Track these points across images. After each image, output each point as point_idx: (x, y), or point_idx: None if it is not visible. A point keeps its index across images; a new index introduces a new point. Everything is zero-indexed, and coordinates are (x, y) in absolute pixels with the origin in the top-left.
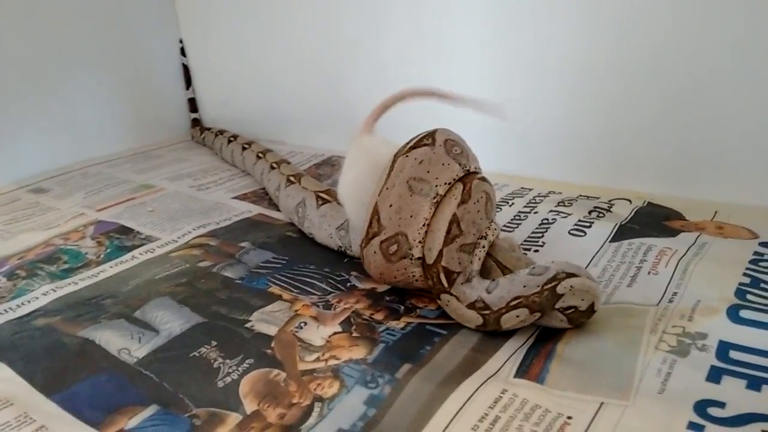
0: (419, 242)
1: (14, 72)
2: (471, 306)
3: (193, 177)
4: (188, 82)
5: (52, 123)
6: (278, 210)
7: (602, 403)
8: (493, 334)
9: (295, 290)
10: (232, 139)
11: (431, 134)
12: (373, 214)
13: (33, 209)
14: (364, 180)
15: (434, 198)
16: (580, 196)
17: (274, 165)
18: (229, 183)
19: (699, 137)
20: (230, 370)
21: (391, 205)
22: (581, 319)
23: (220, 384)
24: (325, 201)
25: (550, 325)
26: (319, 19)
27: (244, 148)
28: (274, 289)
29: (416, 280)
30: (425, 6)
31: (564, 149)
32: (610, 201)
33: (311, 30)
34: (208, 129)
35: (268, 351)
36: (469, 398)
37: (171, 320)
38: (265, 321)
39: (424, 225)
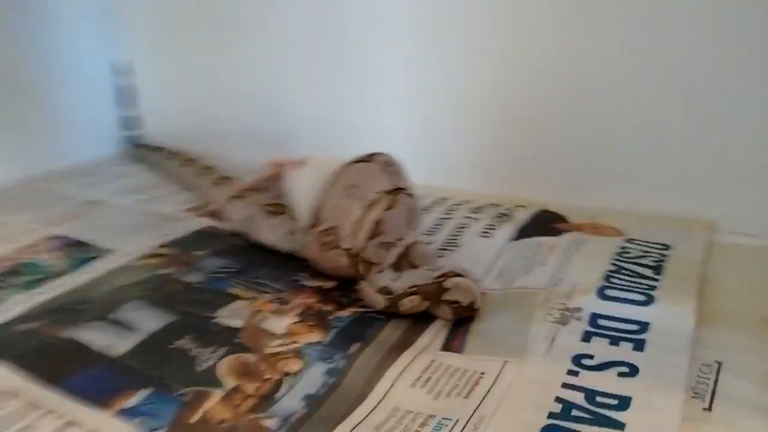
0: (347, 236)
1: None
2: (379, 291)
3: (137, 192)
4: (124, 100)
5: None
6: (225, 222)
7: (506, 362)
8: (413, 317)
9: (252, 291)
10: (171, 155)
11: (373, 155)
12: (316, 210)
13: None
14: (316, 187)
15: (364, 203)
16: (490, 204)
17: (218, 181)
18: (174, 198)
19: (580, 155)
20: (207, 357)
21: (330, 204)
22: (463, 314)
23: (200, 368)
24: (273, 213)
25: (440, 316)
26: (259, 44)
27: (184, 165)
28: (234, 291)
29: (344, 267)
30: (356, 33)
31: (476, 165)
32: (511, 208)
33: (251, 53)
34: (145, 146)
35: (237, 340)
36: (407, 366)
37: (146, 320)
38: (230, 317)
39: (353, 223)
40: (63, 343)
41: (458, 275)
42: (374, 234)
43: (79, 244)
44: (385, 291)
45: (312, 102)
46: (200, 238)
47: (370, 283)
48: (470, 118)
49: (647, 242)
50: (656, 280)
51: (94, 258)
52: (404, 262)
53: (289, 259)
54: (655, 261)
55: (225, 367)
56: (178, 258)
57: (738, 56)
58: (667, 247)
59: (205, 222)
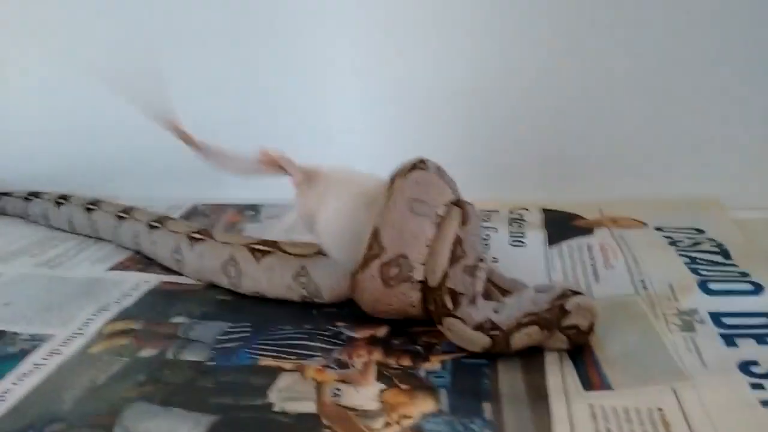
0: (421, 264)
1: None
2: (478, 327)
3: (27, 254)
4: None
5: None
6: (179, 274)
7: (673, 388)
8: (519, 355)
9: (291, 357)
10: (62, 200)
11: (422, 160)
12: (372, 237)
13: None
14: (351, 209)
15: (435, 218)
16: (489, 210)
17: (156, 224)
18: (86, 253)
19: (562, 150)
20: None
21: (392, 226)
22: (581, 339)
23: None
24: (265, 252)
25: (550, 348)
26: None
27: (90, 210)
28: (267, 362)
29: (412, 306)
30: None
31: (453, 168)
32: (512, 211)
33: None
34: (6, 194)
35: (327, 431)
36: (570, 419)
37: (174, 427)
38: (290, 399)
39: (426, 246)
40: None
41: (576, 292)
42: (456, 257)
43: None
44: (488, 327)
45: (242, 117)
46: (162, 299)
47: (464, 319)
48: (441, 119)
49: (679, 229)
50: (735, 265)
51: (24, 352)
52: (490, 286)
53: (306, 307)
54: (713, 246)
55: None
56: (152, 331)
57: (726, 36)
58: (701, 231)
59: (154, 278)
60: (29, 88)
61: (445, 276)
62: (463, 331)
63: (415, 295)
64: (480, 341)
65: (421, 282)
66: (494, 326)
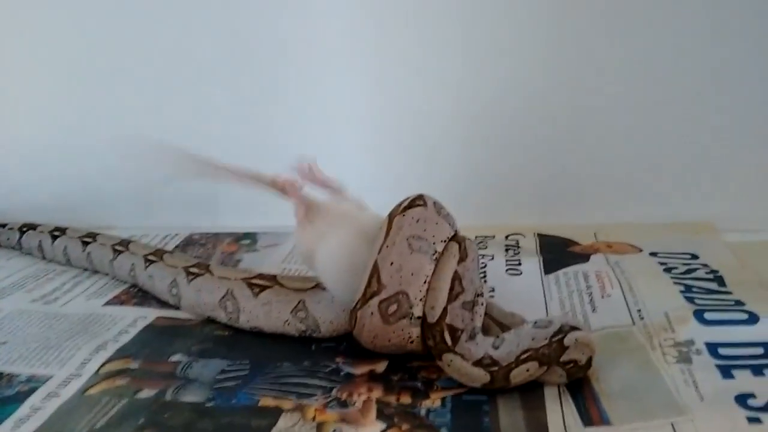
0: (420, 300)
1: None
2: (477, 363)
3: (23, 289)
4: None
5: None
6: (176, 309)
7: (672, 423)
8: (518, 390)
9: (291, 396)
10: (57, 233)
11: (420, 197)
12: (372, 273)
13: None
14: (351, 246)
15: (433, 255)
16: (483, 236)
17: (152, 257)
18: (82, 287)
19: (564, 172)
20: None
21: (392, 263)
22: (579, 374)
23: None
24: (262, 287)
25: (549, 382)
26: (148, 81)
27: (86, 243)
28: (267, 402)
29: (411, 342)
30: (290, 60)
31: (448, 194)
32: (507, 237)
33: (142, 93)
34: (1, 225)
35: None
36: None
37: None
38: None
39: (425, 282)
40: None
41: (575, 328)
42: (454, 293)
43: None
44: (487, 362)
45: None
46: (159, 335)
47: (463, 355)
48: (434, 144)
49: (674, 254)
50: (730, 293)
51: (22, 394)
52: (488, 321)
53: (304, 342)
54: (707, 273)
55: None
56: (149, 371)
57: (721, 61)
58: (695, 256)
59: (151, 313)
60: (25, 119)
61: (444, 312)
62: (462, 366)
63: (414, 331)
64: (479, 377)
65: (420, 318)
66: (493, 362)
